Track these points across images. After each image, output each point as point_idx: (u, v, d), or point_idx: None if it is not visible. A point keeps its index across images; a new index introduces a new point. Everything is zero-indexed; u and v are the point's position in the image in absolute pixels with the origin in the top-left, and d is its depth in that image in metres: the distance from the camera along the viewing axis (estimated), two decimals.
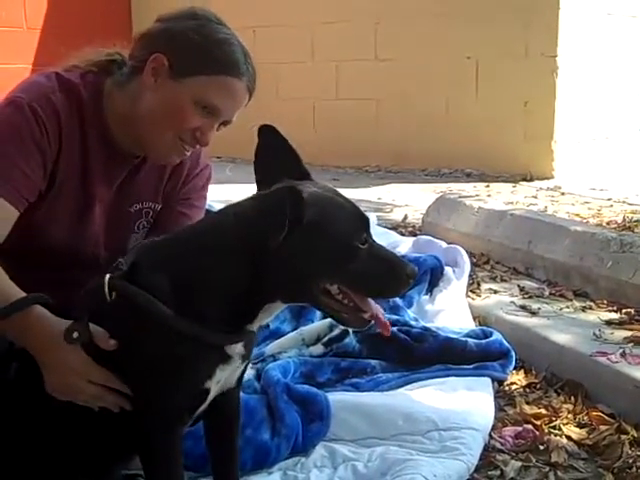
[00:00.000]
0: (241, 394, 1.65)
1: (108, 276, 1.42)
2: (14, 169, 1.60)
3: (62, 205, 1.72)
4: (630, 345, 2.34)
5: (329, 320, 2.48)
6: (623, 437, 1.97)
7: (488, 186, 5.65)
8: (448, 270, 3.08)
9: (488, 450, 1.95)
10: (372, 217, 4.19)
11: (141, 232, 1.88)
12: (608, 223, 4.00)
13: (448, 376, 2.26)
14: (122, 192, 1.83)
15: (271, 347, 2.39)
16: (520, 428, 2.04)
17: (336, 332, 2.43)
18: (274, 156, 1.49)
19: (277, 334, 2.50)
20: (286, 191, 1.33)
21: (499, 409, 2.17)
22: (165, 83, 1.68)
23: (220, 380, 1.45)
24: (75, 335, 1.39)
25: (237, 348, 1.43)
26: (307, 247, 1.34)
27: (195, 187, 1.93)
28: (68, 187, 1.72)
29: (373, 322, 1.45)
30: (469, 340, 2.41)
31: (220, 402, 1.52)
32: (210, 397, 1.47)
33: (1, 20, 7.31)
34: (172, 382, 1.39)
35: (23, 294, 1.46)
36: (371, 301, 1.44)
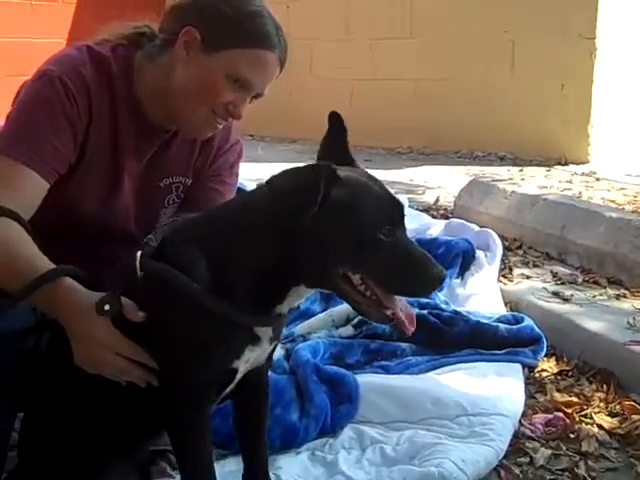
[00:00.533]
0: (270, 374, 1.66)
1: (139, 252, 1.42)
2: (45, 142, 1.60)
3: (93, 178, 1.72)
4: None
5: None
6: None
7: (522, 170, 5.58)
8: (480, 254, 3.06)
9: (518, 437, 1.93)
10: (404, 199, 4.18)
11: (171, 207, 1.88)
12: None
13: (478, 361, 2.25)
14: (152, 166, 1.82)
15: (301, 327, 2.39)
16: (551, 416, 2.02)
17: None
18: (335, 141, 1.50)
19: (307, 314, 2.50)
20: (322, 168, 1.33)
21: (529, 396, 2.15)
22: (197, 56, 1.67)
23: (249, 359, 1.44)
24: (107, 307, 1.39)
25: (267, 330, 1.43)
26: (331, 227, 1.32)
27: (226, 163, 1.91)
28: (99, 160, 1.72)
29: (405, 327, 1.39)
30: (500, 325, 2.39)
31: (249, 381, 1.51)
32: (239, 376, 1.46)
33: None
34: (199, 360, 1.38)
35: (53, 266, 1.46)
36: (396, 298, 1.39)
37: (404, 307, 1.39)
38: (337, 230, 1.32)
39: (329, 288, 1.40)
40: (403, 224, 1.38)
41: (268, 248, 1.35)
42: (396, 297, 1.38)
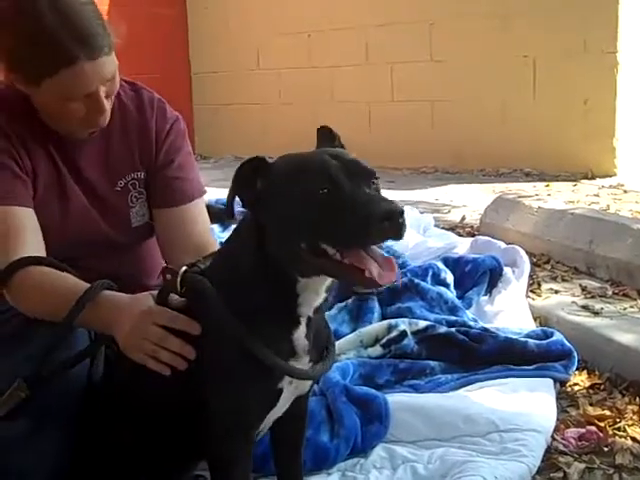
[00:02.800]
0: None
1: (184, 269, 1.46)
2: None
3: (49, 209, 1.76)
4: None
5: (387, 322, 2.48)
6: None
7: (548, 185, 5.56)
8: (507, 271, 3.04)
9: (550, 452, 1.92)
10: (429, 218, 4.18)
11: (137, 204, 1.88)
12: None
13: (508, 377, 2.23)
14: (98, 175, 1.83)
15: None
16: (583, 430, 2.00)
17: (394, 334, 2.42)
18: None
19: (336, 336, 2.49)
20: (249, 159, 1.36)
21: (561, 410, 2.13)
22: (31, 89, 1.69)
23: (293, 380, 1.43)
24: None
25: (301, 337, 1.42)
26: (273, 208, 1.33)
27: (173, 145, 1.89)
28: (44, 186, 1.77)
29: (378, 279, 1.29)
30: (529, 340, 2.38)
31: (289, 406, 1.51)
32: (284, 399, 1.45)
33: None
34: (242, 381, 1.39)
35: (88, 285, 1.53)
36: (365, 254, 1.29)
37: (382, 259, 1.31)
38: (278, 208, 1.32)
39: (310, 269, 1.34)
40: (357, 180, 1.30)
41: (251, 249, 1.37)
42: (365, 253, 1.29)
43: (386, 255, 1.33)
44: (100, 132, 1.82)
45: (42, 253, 1.65)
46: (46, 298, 1.55)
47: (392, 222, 1.23)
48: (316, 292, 1.40)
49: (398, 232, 1.25)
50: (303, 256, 1.30)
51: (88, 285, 1.53)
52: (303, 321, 1.41)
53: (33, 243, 1.65)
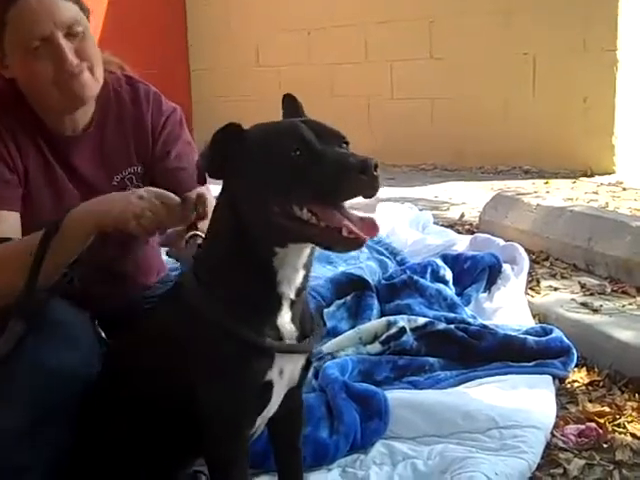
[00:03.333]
0: None
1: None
2: None
3: (41, 207, 1.75)
4: None
5: (386, 319, 2.48)
6: None
7: (547, 182, 5.56)
8: (506, 268, 3.05)
9: (550, 448, 1.92)
10: (428, 216, 4.18)
11: None
12: None
13: (508, 374, 2.23)
14: (93, 171, 1.83)
15: (329, 345, 2.39)
16: (583, 426, 2.00)
17: (393, 330, 2.42)
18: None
19: (334, 333, 2.51)
20: (222, 127, 1.36)
21: (561, 407, 2.13)
22: (1, 64, 1.71)
23: (282, 371, 1.42)
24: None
25: (286, 322, 1.40)
26: (248, 173, 1.32)
27: (170, 136, 1.89)
28: (37, 185, 1.77)
29: (355, 237, 1.25)
30: (528, 337, 2.38)
31: (284, 402, 1.50)
32: (276, 394, 1.44)
33: None
34: (234, 372, 1.37)
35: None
36: (338, 213, 1.27)
37: (357, 218, 1.29)
38: (250, 173, 1.32)
39: (285, 235, 1.31)
40: (328, 142, 1.29)
41: (229, 219, 1.37)
42: (338, 212, 1.27)
43: (364, 215, 1.30)
44: (95, 127, 1.82)
45: None
46: (10, 262, 1.56)
47: (368, 174, 1.21)
48: (294, 267, 1.37)
49: (374, 185, 1.23)
50: (276, 221, 1.28)
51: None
52: (286, 303, 1.39)
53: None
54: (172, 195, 1.57)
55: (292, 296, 1.40)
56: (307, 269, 1.41)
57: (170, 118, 1.89)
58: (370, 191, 1.24)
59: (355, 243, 1.27)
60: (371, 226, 1.28)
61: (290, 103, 1.50)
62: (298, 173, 1.25)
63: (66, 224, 1.55)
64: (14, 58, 1.68)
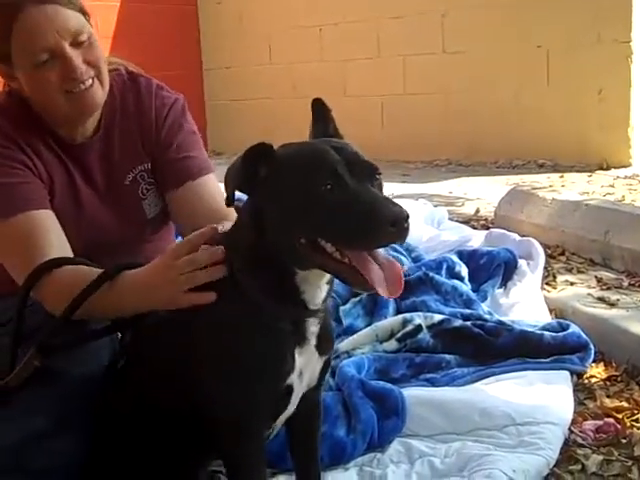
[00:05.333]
0: None
1: None
2: (14, 186, 1.68)
3: (64, 214, 1.75)
4: None
5: (402, 316, 2.48)
6: None
7: (562, 176, 5.53)
8: (522, 263, 3.04)
9: (568, 444, 1.91)
10: (443, 212, 4.17)
11: (149, 195, 1.88)
12: None
13: (525, 370, 2.23)
14: (106, 174, 1.84)
15: (345, 343, 2.39)
16: (601, 422, 1.99)
17: (409, 328, 2.42)
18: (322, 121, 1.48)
19: (351, 330, 2.51)
20: (252, 147, 1.33)
21: (579, 403, 2.12)
22: (10, 72, 1.71)
23: (302, 373, 1.43)
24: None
25: (311, 327, 1.41)
26: (274, 198, 1.31)
27: (173, 126, 1.88)
28: (58, 190, 1.78)
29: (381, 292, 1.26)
30: (545, 333, 2.37)
31: (301, 401, 1.51)
32: (294, 398, 1.45)
33: None
34: (253, 376, 1.38)
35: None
36: (369, 258, 1.27)
37: (387, 266, 1.28)
38: (279, 199, 1.30)
39: (308, 264, 1.32)
40: (360, 176, 1.28)
41: (250, 227, 1.36)
42: (370, 257, 1.27)
43: (392, 260, 1.30)
44: (103, 131, 1.83)
45: (68, 252, 1.66)
46: (72, 293, 1.54)
47: (398, 227, 1.21)
48: (317, 286, 1.38)
49: (402, 237, 1.23)
50: (301, 250, 1.29)
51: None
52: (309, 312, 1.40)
53: (58, 243, 1.66)
54: (199, 240, 1.47)
55: (318, 306, 1.40)
56: (331, 284, 1.41)
57: (172, 108, 1.89)
58: (398, 242, 1.24)
59: (369, 286, 1.26)
60: (397, 283, 1.27)
61: (319, 108, 1.47)
62: (328, 211, 1.24)
63: (118, 292, 1.53)
64: (22, 71, 1.69)
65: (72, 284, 1.55)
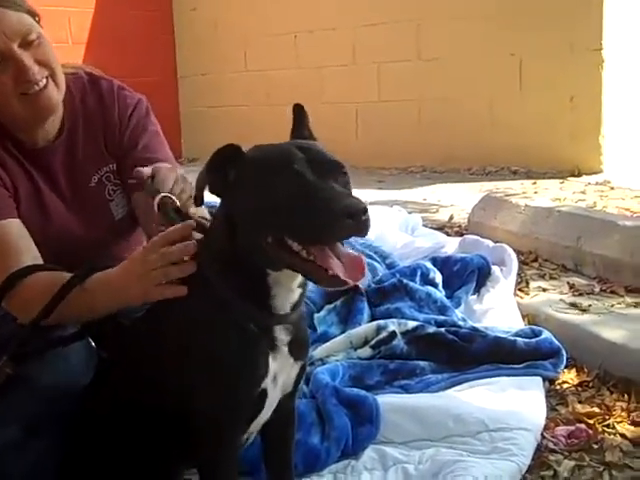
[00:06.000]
0: None
1: None
2: None
3: (30, 221, 1.74)
4: None
5: (376, 323, 2.49)
6: None
7: (535, 183, 5.58)
8: (495, 269, 3.06)
9: (540, 450, 1.92)
10: (417, 218, 4.19)
11: (116, 196, 1.87)
12: None
13: (498, 376, 2.24)
14: (71, 177, 1.83)
15: (319, 351, 2.40)
16: (573, 427, 2.01)
17: (384, 334, 2.43)
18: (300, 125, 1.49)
19: (325, 338, 2.51)
20: (222, 148, 1.34)
21: (551, 408, 2.14)
22: None
23: (276, 377, 1.43)
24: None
25: (281, 335, 1.42)
26: (240, 199, 1.33)
27: (137, 128, 1.87)
28: (25, 203, 1.76)
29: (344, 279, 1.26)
30: (518, 339, 2.39)
31: (276, 407, 1.51)
32: (269, 402, 1.46)
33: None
34: (228, 381, 1.38)
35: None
36: (329, 252, 1.27)
37: (346, 257, 1.29)
38: (246, 199, 1.32)
39: (277, 263, 1.33)
40: (323, 173, 1.29)
41: (224, 237, 1.37)
42: (332, 252, 1.27)
43: (354, 253, 1.31)
44: (65, 134, 1.82)
45: (39, 260, 1.65)
46: (44, 297, 1.53)
47: (355, 219, 1.21)
48: (289, 288, 1.39)
49: (361, 230, 1.23)
50: (269, 249, 1.30)
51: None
52: (281, 317, 1.41)
53: (29, 252, 1.65)
54: (172, 235, 1.46)
55: (287, 310, 1.41)
56: (303, 287, 1.42)
57: (136, 109, 1.89)
58: (358, 234, 1.25)
59: (340, 283, 1.27)
60: (358, 269, 1.29)
61: (299, 113, 1.48)
62: (290, 208, 1.26)
63: (90, 293, 1.53)
64: None
65: (44, 291, 1.54)
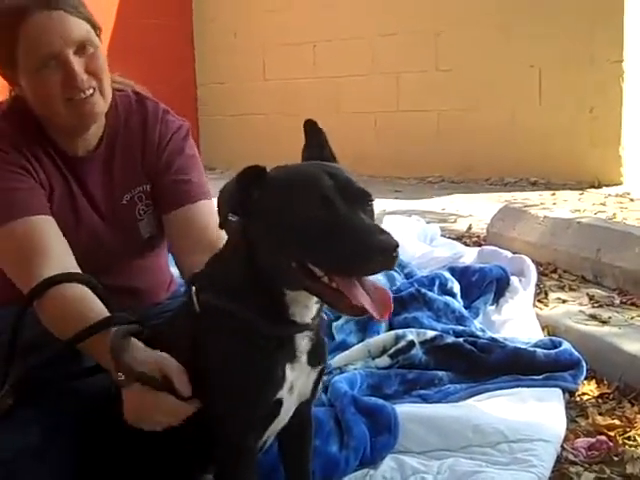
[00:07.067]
0: None
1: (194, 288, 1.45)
2: (14, 190, 1.68)
3: (63, 223, 1.74)
4: None
5: (395, 332, 2.48)
6: None
7: (554, 194, 5.56)
8: (514, 280, 3.04)
9: (560, 462, 1.91)
10: (436, 228, 4.18)
11: (145, 216, 1.88)
12: None
13: (517, 387, 2.22)
14: (105, 190, 1.84)
15: (337, 359, 2.39)
16: (593, 439, 2.00)
17: (402, 344, 2.42)
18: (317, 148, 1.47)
19: (343, 346, 2.50)
20: (244, 170, 1.33)
21: (571, 420, 2.13)
22: (14, 77, 1.71)
23: (292, 387, 1.44)
24: (120, 377, 1.41)
25: (301, 343, 1.42)
26: (265, 221, 1.31)
27: (173, 150, 1.87)
28: (59, 203, 1.77)
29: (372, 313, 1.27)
30: (538, 350, 2.37)
31: (294, 417, 1.52)
32: (285, 409, 1.46)
33: None
34: (245, 391, 1.39)
35: (103, 314, 1.51)
36: (357, 283, 1.27)
37: (374, 290, 1.28)
38: (270, 222, 1.31)
39: (297, 286, 1.33)
40: (352, 202, 1.28)
41: (242, 259, 1.37)
42: (358, 282, 1.27)
43: (382, 287, 1.31)
44: (104, 147, 1.83)
45: (70, 258, 1.65)
46: (68, 324, 1.53)
47: (386, 256, 1.21)
48: (306, 305, 1.39)
49: (390, 266, 1.24)
50: (290, 273, 1.30)
51: (101, 313, 1.53)
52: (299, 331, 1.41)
53: (59, 249, 1.65)
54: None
55: (307, 321, 1.41)
56: (320, 304, 1.42)
57: (176, 133, 1.90)
58: (386, 270, 1.25)
59: (361, 313, 1.27)
60: (386, 305, 1.28)
61: (313, 130, 1.46)
62: (318, 236, 1.25)
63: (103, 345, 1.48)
64: (25, 74, 1.69)
65: (68, 308, 1.55)
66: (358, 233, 1.23)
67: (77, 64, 1.66)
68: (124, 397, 1.44)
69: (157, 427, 1.43)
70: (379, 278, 3.07)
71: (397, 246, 1.22)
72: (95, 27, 1.73)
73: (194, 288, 1.46)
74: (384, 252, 1.21)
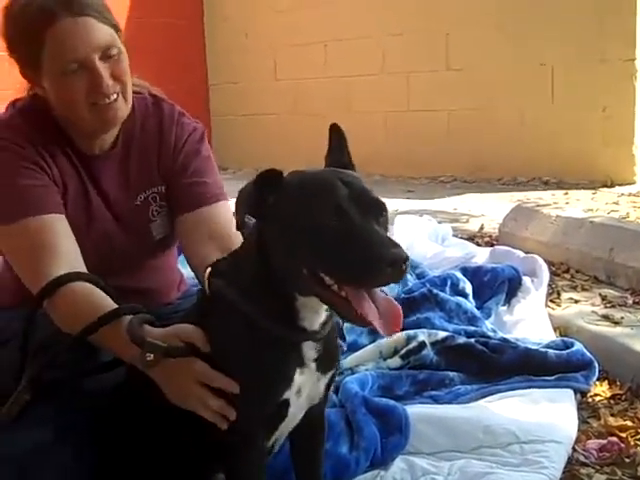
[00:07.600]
0: None
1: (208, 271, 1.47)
2: (29, 188, 1.69)
3: (76, 221, 1.75)
4: None
5: (406, 333, 2.48)
6: None
7: (567, 194, 5.54)
8: (526, 280, 3.04)
9: (572, 463, 1.90)
10: (448, 228, 4.17)
11: (158, 217, 1.88)
12: None
13: (529, 387, 2.22)
14: (120, 190, 1.85)
15: (349, 360, 2.39)
16: (605, 441, 1.99)
17: (413, 345, 2.42)
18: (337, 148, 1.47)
19: (354, 347, 2.50)
20: (261, 173, 1.33)
21: (582, 421, 2.12)
22: (36, 78, 1.72)
23: (300, 390, 1.44)
24: (149, 357, 1.41)
25: (309, 351, 1.42)
26: (278, 227, 1.32)
27: (189, 152, 1.88)
28: (73, 202, 1.78)
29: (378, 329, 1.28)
30: (549, 351, 2.37)
31: (306, 419, 1.52)
32: (293, 411, 1.46)
33: None
34: (254, 389, 1.39)
35: (114, 306, 1.53)
36: (365, 295, 1.28)
37: (384, 304, 1.29)
38: (284, 227, 1.31)
39: (307, 292, 1.34)
40: (366, 213, 1.28)
41: (256, 261, 1.37)
42: (367, 294, 1.28)
43: (392, 301, 1.31)
44: (120, 147, 1.84)
45: (79, 259, 1.66)
46: (79, 319, 1.54)
47: (395, 268, 1.22)
48: (316, 311, 1.40)
49: (399, 279, 1.24)
50: (301, 279, 1.31)
51: (113, 305, 1.54)
52: (309, 336, 1.42)
53: (69, 249, 1.66)
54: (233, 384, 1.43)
55: (316, 328, 1.42)
56: (330, 311, 1.42)
57: (191, 135, 1.91)
58: (394, 282, 1.25)
59: (367, 325, 1.28)
60: (395, 322, 1.29)
61: (336, 135, 1.46)
62: (330, 245, 1.25)
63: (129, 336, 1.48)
64: (50, 77, 1.70)
65: (80, 306, 1.56)
66: (369, 244, 1.23)
67: (103, 70, 1.68)
68: (158, 380, 1.45)
69: (200, 406, 1.42)
70: None
71: (407, 259, 1.22)
72: (118, 30, 1.74)
73: (208, 270, 1.48)
74: (393, 265, 1.21)
